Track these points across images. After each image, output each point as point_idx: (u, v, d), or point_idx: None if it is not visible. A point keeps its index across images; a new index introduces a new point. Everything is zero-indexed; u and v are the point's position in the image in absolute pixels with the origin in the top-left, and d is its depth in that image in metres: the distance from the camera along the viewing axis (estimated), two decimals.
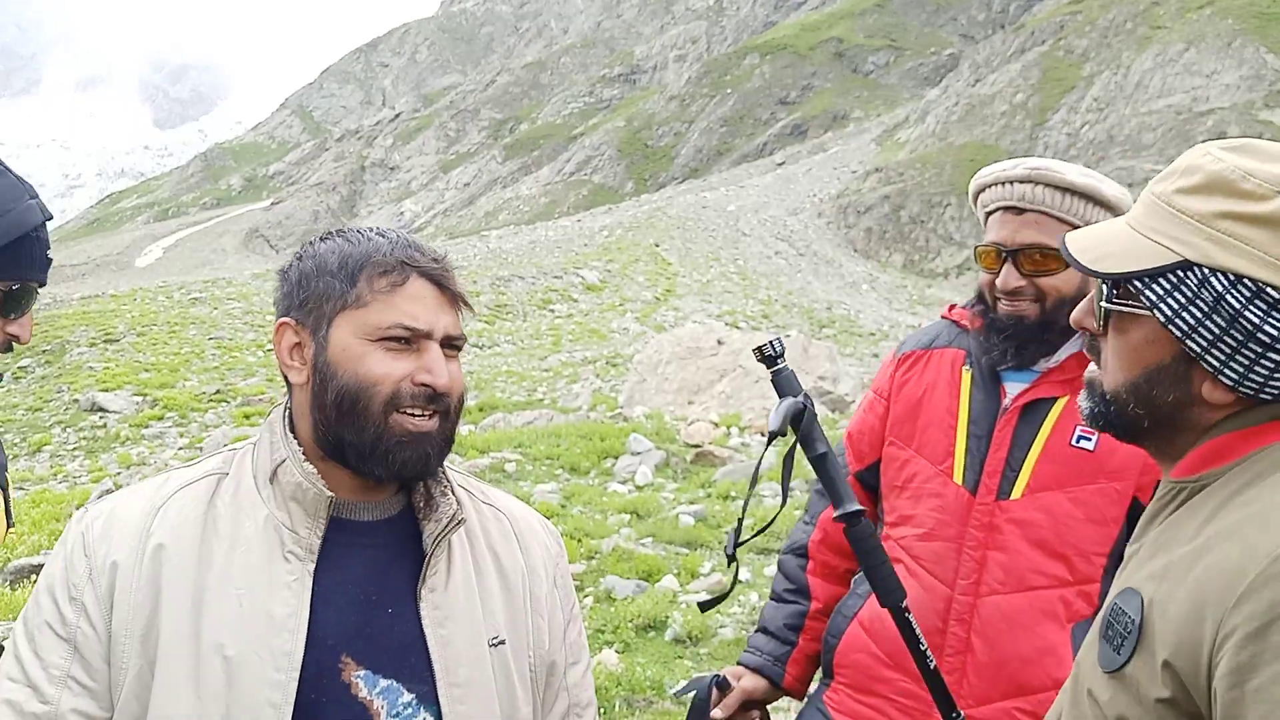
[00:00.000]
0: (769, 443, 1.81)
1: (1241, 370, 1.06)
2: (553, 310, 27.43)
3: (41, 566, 4.82)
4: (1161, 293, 1.08)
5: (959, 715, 1.70)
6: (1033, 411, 1.97)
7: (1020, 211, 1.94)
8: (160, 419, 14.19)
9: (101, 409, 14.63)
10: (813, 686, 2.19)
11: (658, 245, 37.40)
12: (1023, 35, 51.87)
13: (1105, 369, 1.16)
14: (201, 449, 12.31)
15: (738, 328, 22.69)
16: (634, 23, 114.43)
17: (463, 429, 11.74)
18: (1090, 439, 1.93)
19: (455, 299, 1.39)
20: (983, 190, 2.03)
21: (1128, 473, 1.93)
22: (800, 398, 1.72)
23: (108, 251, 79.78)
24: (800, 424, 1.73)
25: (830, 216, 44.47)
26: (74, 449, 12.96)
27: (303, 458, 1.35)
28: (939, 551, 1.96)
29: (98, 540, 1.31)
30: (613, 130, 73.63)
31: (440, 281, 1.37)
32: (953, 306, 2.21)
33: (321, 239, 1.42)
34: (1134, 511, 1.93)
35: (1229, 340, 1.05)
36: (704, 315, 26.81)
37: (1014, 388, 2.01)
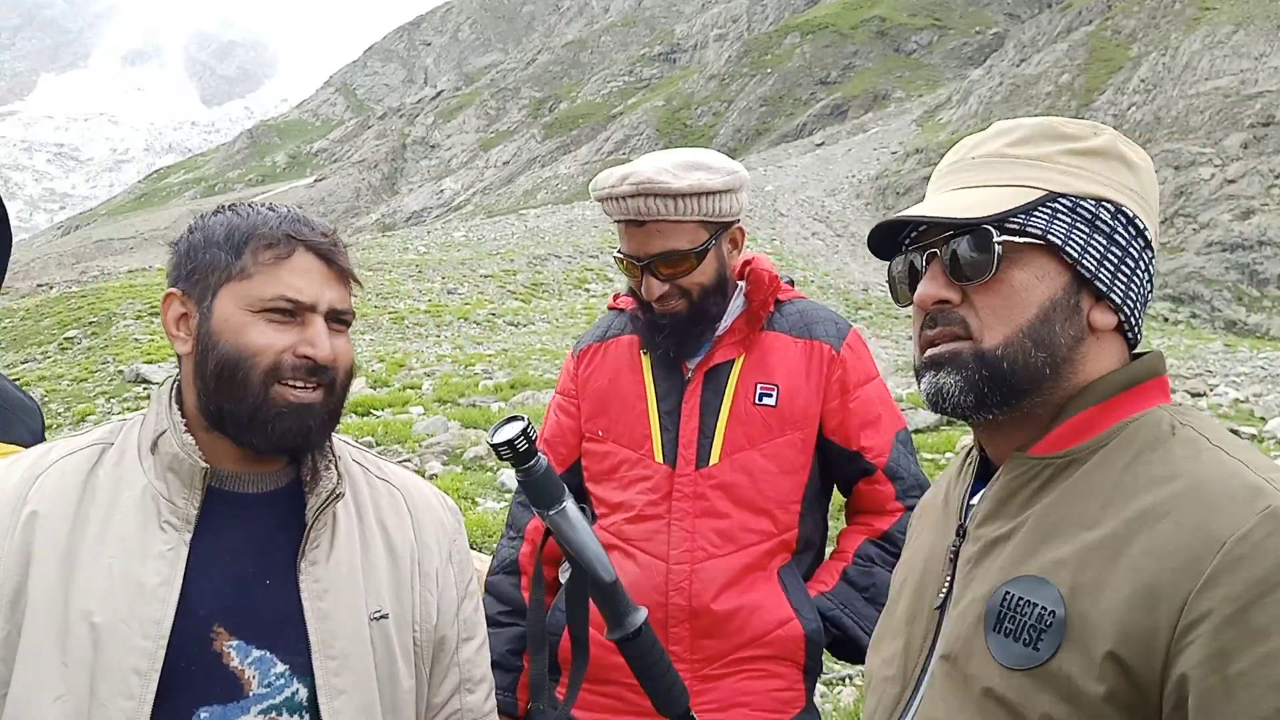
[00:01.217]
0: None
1: (1124, 287, 1.12)
2: (588, 289, 27.58)
3: None
4: (1045, 221, 1.11)
5: None
6: (714, 377, 2.05)
7: (642, 224, 1.97)
8: None
9: (145, 380, 15.00)
10: None
11: None
12: (1069, 15, 50.88)
13: (983, 330, 1.11)
14: None
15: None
16: (675, 1, 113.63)
17: (493, 405, 11.94)
18: (771, 395, 2.03)
19: (344, 274, 1.39)
20: (600, 202, 2.03)
21: (809, 419, 2.04)
22: (568, 501, 1.46)
23: (155, 226, 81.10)
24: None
25: (869, 198, 44.10)
26: (117, 419, 13.34)
27: (184, 429, 1.36)
28: (651, 529, 2.02)
29: None
30: (652, 110, 73.37)
31: (327, 256, 1.36)
32: (617, 296, 2.28)
33: (214, 213, 1.41)
34: (821, 449, 2.06)
35: (1112, 256, 1.12)
36: None
37: (692, 360, 2.08)
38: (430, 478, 8.30)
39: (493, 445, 1.46)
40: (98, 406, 13.89)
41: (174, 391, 1.42)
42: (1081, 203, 1.12)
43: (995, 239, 1.10)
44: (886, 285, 1.37)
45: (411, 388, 13.80)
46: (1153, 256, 1.16)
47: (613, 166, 2.10)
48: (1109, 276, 1.12)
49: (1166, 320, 30.84)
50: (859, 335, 2.16)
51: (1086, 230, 1.11)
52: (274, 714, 1.34)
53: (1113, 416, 1.10)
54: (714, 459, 2.02)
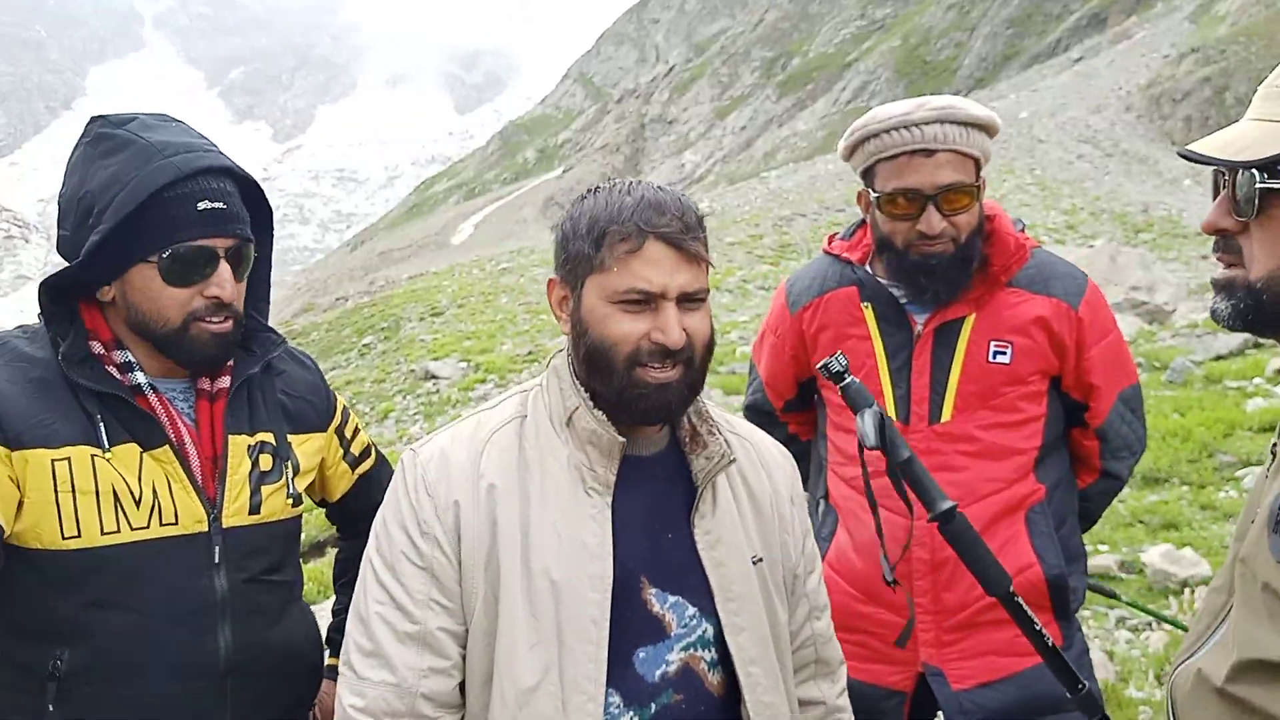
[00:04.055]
0: (865, 452, 1.82)
1: None
2: None
3: None
4: None
5: (1083, 687, 1.66)
6: (944, 334, 2.03)
7: (931, 153, 1.95)
8: (483, 381, 15.62)
9: (434, 376, 16.32)
10: None
11: None
12: None
13: (1253, 261, 1.18)
14: None
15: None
16: None
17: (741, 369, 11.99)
18: (1005, 353, 2.01)
19: (695, 258, 1.47)
20: (872, 138, 2.00)
21: (1044, 374, 2.04)
22: (876, 407, 1.71)
23: (426, 233, 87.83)
24: (884, 434, 1.70)
25: (1140, 109, 40.12)
26: (414, 414, 14.59)
27: (591, 404, 1.50)
28: (888, 484, 1.98)
29: (436, 481, 1.50)
30: (888, 51, 70.45)
31: (677, 244, 1.44)
32: (832, 238, 2.26)
33: (582, 198, 1.56)
34: (1054, 386, 2.07)
35: None
36: None
37: (919, 314, 2.06)
38: None
39: (819, 368, 1.78)
40: (396, 404, 15.27)
41: (572, 367, 1.56)
42: None
43: (1257, 184, 1.15)
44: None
45: None
46: None
47: (852, 116, 2.15)
48: None
49: None
50: (1096, 289, 2.14)
51: None
52: (692, 650, 1.53)
53: None
54: (946, 415, 2.04)
